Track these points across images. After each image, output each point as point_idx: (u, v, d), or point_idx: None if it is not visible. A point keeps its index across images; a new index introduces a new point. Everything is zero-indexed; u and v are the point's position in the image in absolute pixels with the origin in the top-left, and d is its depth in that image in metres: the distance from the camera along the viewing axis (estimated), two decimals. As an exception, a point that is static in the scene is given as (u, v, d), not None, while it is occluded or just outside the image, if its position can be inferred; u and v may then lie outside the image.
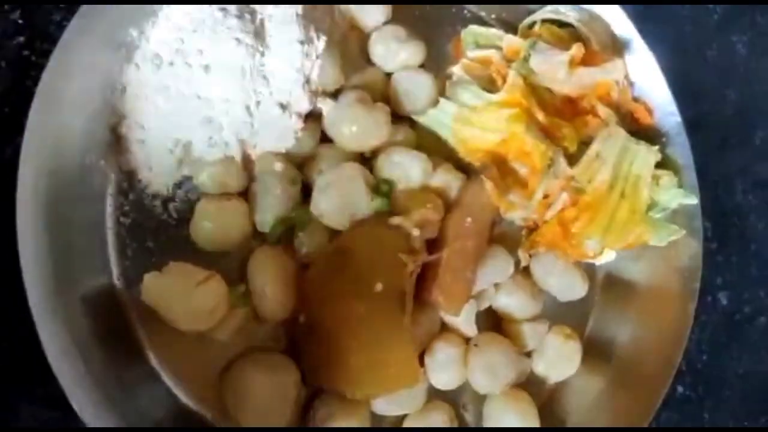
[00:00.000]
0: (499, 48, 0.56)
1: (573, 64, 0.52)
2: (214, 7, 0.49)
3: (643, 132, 0.57)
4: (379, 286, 0.46)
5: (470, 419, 0.55)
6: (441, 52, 0.59)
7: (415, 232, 0.48)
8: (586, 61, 0.53)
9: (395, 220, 0.49)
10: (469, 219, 0.50)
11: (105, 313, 0.48)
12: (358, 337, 0.46)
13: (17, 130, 0.45)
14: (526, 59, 0.54)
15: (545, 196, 0.53)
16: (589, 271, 0.58)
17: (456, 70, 0.57)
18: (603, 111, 0.54)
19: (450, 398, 0.54)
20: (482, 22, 0.60)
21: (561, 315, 0.58)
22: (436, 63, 0.58)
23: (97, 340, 0.46)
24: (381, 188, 0.50)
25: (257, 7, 0.50)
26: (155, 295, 0.46)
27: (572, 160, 0.52)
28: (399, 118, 0.55)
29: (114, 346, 0.47)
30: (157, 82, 0.49)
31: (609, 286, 0.60)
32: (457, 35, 0.59)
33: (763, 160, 0.69)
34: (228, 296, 0.48)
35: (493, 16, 0.61)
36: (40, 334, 0.42)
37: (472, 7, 0.60)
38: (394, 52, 0.55)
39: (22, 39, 0.52)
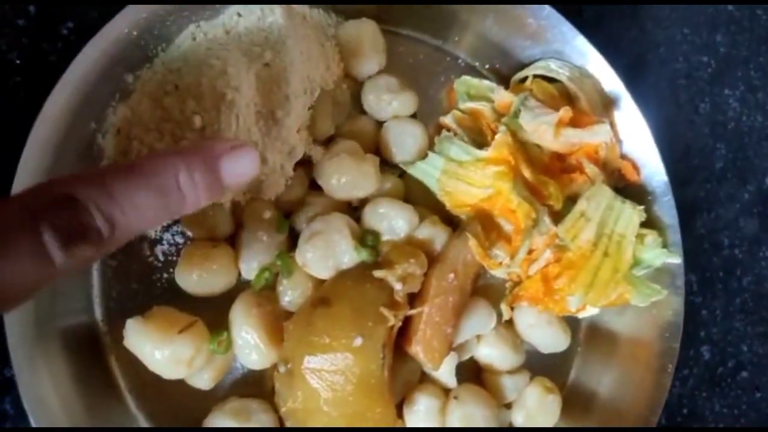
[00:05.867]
0: (490, 100, 0.57)
1: (560, 125, 0.52)
2: (209, 55, 0.50)
3: (630, 188, 0.57)
4: (358, 341, 0.46)
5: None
6: (434, 100, 0.60)
7: (398, 286, 0.49)
8: (575, 121, 0.53)
9: (379, 273, 0.49)
10: (452, 275, 0.50)
11: (85, 355, 0.48)
12: (335, 390, 0.46)
13: (10, 171, 0.45)
14: (516, 114, 0.55)
15: (529, 252, 0.53)
16: (572, 322, 0.58)
17: (447, 120, 0.57)
18: (590, 169, 0.54)
19: (428, 448, 0.54)
20: (476, 73, 0.61)
21: (543, 366, 0.58)
22: (428, 111, 0.59)
23: (76, 383, 0.46)
24: (366, 240, 0.51)
25: (252, 57, 0.50)
26: (137, 340, 0.46)
27: (557, 217, 0.53)
28: (389, 165, 0.56)
29: (93, 389, 0.47)
30: (151, 127, 0.50)
31: (592, 338, 0.60)
32: (450, 84, 0.60)
33: (751, 215, 0.70)
34: (209, 345, 0.48)
35: (486, 66, 0.61)
36: (17, 376, 0.43)
37: (466, 57, 0.61)
38: (386, 101, 0.56)
39: (18, 79, 0.52)
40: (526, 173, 0.52)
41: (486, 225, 0.53)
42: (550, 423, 0.56)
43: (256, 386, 0.52)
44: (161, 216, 0.31)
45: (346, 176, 0.51)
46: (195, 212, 0.49)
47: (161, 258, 0.52)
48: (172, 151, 0.32)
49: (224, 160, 0.33)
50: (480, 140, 0.56)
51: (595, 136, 0.53)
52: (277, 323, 0.50)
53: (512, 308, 0.56)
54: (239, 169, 0.33)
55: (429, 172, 0.54)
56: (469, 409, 0.52)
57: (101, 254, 0.29)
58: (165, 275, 0.51)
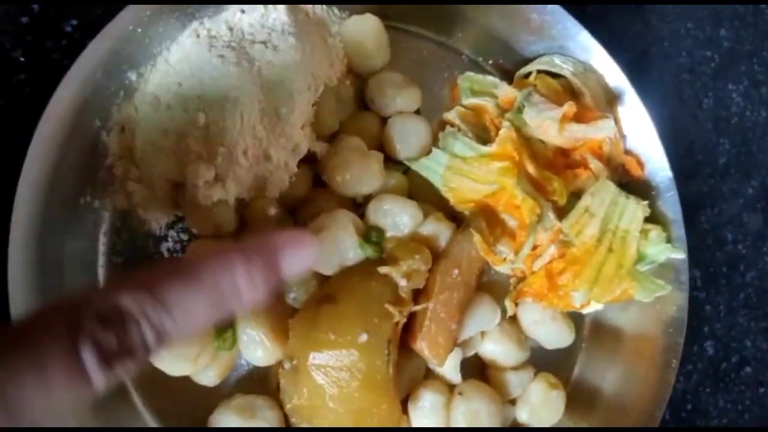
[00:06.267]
0: (494, 96, 0.57)
1: (564, 120, 0.52)
2: (213, 53, 0.50)
3: (634, 184, 0.57)
4: (363, 337, 0.46)
5: (452, 464, 0.55)
6: (437, 96, 0.60)
7: (403, 283, 0.49)
8: (579, 117, 0.53)
9: (383, 270, 0.49)
10: (456, 271, 0.50)
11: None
12: (341, 387, 0.46)
13: (15, 169, 0.45)
14: (519, 110, 0.54)
15: (534, 248, 0.53)
16: (576, 318, 0.58)
17: (451, 116, 0.57)
18: (594, 165, 0.54)
19: (432, 443, 0.54)
20: (479, 69, 0.61)
21: (547, 362, 0.58)
22: (432, 107, 0.59)
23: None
24: (371, 236, 0.51)
25: (256, 54, 0.50)
26: (143, 337, 0.46)
27: (561, 213, 0.53)
28: (393, 161, 0.56)
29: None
30: (155, 125, 0.50)
31: (596, 333, 0.60)
32: (454, 80, 0.60)
33: (755, 211, 0.70)
34: (214, 341, 0.48)
35: (490, 62, 0.61)
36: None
37: (470, 53, 0.61)
38: (390, 98, 0.56)
39: (22, 77, 0.52)
40: (530, 169, 0.52)
41: (490, 221, 0.53)
42: (554, 419, 0.56)
43: (261, 383, 0.52)
44: (213, 319, 0.28)
45: (350, 173, 0.51)
46: (199, 209, 0.49)
47: (166, 255, 0.52)
48: (230, 249, 0.29)
49: (284, 254, 0.30)
50: (484, 136, 0.56)
51: (599, 131, 0.53)
52: (282, 320, 0.50)
53: (516, 304, 0.56)
54: (299, 262, 0.31)
55: (433, 168, 0.54)
56: (474, 405, 0.52)
57: (143, 365, 0.27)
58: (170, 272, 0.51)
